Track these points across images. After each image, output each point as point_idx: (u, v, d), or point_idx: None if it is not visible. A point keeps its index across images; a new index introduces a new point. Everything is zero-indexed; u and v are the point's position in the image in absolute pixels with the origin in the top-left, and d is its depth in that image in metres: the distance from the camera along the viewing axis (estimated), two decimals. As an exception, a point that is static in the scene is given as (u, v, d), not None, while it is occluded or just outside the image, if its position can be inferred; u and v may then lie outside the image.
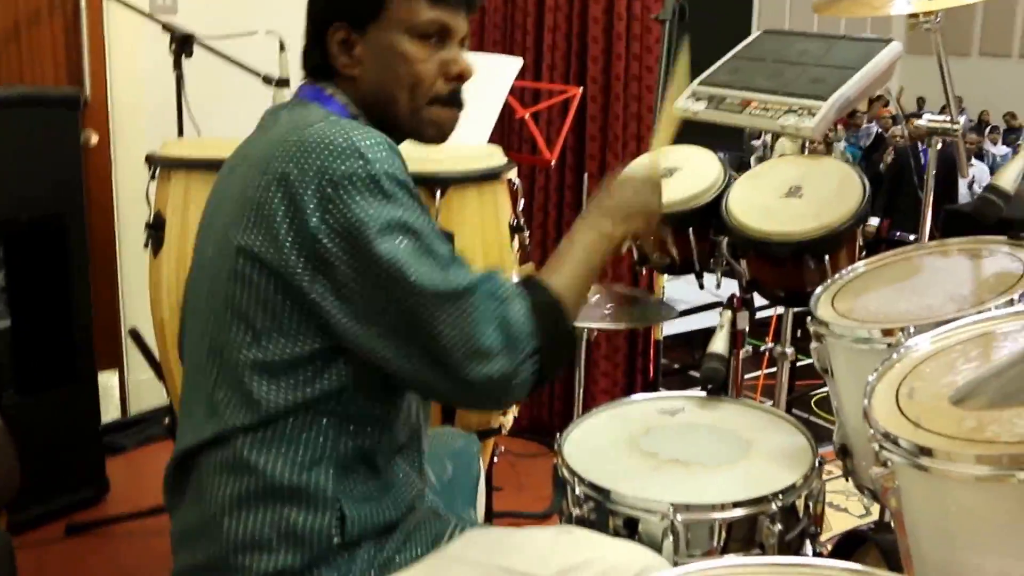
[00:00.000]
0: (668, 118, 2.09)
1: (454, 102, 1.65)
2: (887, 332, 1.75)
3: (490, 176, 2.68)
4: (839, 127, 11.54)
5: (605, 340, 3.96)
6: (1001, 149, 13.62)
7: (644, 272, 3.63)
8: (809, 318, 1.92)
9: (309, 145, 1.42)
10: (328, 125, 1.46)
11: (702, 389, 2.18)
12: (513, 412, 2.89)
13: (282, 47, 3.08)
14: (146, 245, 2.71)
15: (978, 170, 9.46)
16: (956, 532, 1.40)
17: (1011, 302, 1.68)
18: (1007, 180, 1.97)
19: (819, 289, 2.00)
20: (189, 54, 3.36)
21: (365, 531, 1.53)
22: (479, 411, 2.61)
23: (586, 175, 3.94)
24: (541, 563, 1.57)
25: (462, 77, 1.64)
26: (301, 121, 1.49)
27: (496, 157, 2.75)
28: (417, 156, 2.65)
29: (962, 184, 9.24)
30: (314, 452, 1.49)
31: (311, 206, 1.40)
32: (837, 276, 2.05)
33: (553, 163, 3.27)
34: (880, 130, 12.70)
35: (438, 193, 2.53)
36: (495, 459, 3.03)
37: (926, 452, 1.36)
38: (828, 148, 3.17)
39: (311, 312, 1.44)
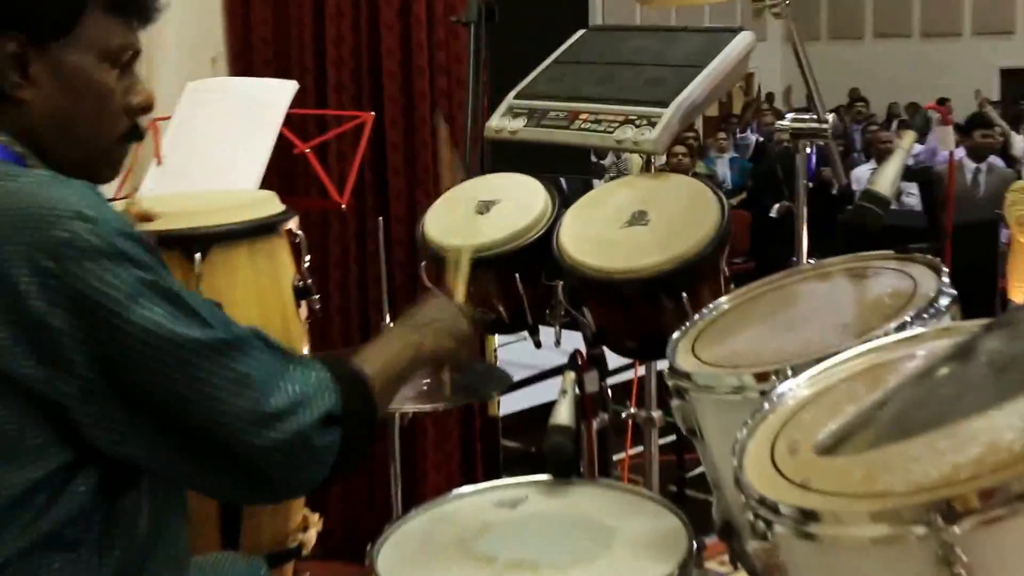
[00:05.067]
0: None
1: (138, 136, 1.75)
2: (760, 377, 1.79)
3: (263, 229, 2.66)
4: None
5: (432, 425, 3.95)
6: (915, 147, 14.28)
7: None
8: (667, 370, 1.96)
9: (6, 215, 1.41)
10: (18, 184, 1.45)
11: (547, 471, 2.20)
12: (316, 527, 2.86)
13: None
14: None
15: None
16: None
17: (902, 326, 1.75)
18: (883, 184, 2.07)
19: (676, 335, 2.05)
20: None
21: None
22: (273, 501, 2.58)
23: (391, 219, 3.92)
24: None
25: (146, 108, 1.71)
26: None
27: (270, 204, 2.74)
28: (170, 209, 2.65)
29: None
30: None
31: (31, 290, 1.39)
32: (697, 317, 2.10)
33: (345, 206, 3.24)
34: (759, 137, 13.18)
35: (198, 256, 2.50)
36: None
37: (811, 516, 1.41)
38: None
39: (50, 423, 1.43)
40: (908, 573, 1.35)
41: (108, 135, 1.65)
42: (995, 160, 8.92)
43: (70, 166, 1.61)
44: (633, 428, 3.25)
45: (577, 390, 2.30)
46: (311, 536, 2.82)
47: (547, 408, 2.28)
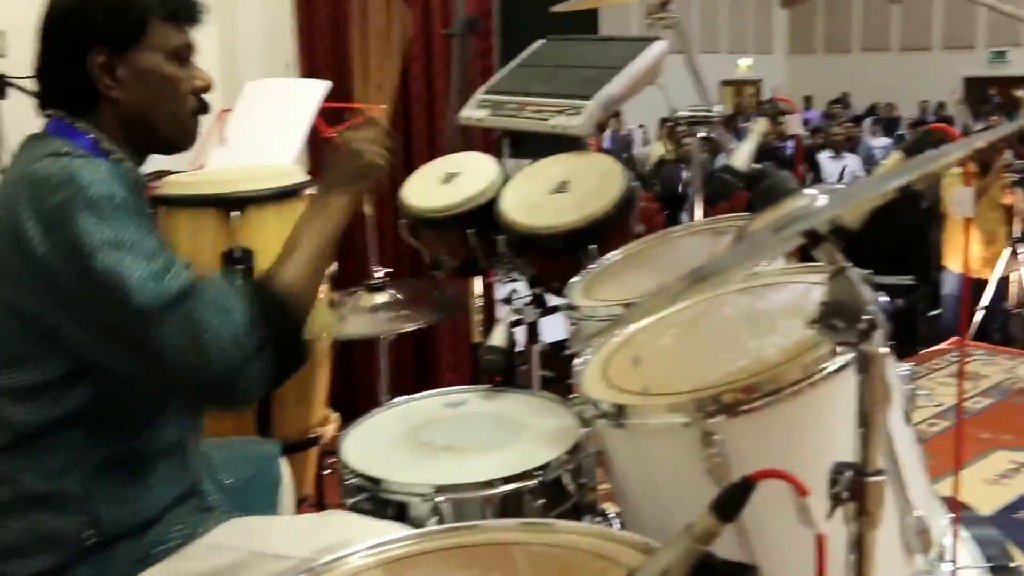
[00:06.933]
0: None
1: (205, 110, 1.79)
2: (626, 306, 1.87)
3: (288, 193, 2.74)
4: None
5: (447, 333, 3.98)
6: (882, 140, 14.12)
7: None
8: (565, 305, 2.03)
9: (32, 182, 1.52)
10: (51, 162, 1.55)
11: (481, 381, 2.27)
12: (335, 423, 2.94)
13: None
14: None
15: (851, 161, 9.73)
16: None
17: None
18: (739, 159, 2.10)
19: (575, 278, 2.11)
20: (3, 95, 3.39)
21: (123, 529, 1.61)
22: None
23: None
24: (300, 545, 1.64)
25: (207, 89, 1.77)
26: (32, 158, 1.58)
27: (295, 175, 2.82)
28: (212, 178, 2.74)
29: (833, 171, 9.50)
30: (64, 461, 1.58)
31: (37, 238, 1.49)
32: (594, 265, 2.16)
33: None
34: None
35: (235, 213, 2.59)
36: (324, 473, 3.05)
37: (621, 410, 1.48)
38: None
39: (53, 338, 1.54)
40: (683, 454, 1.42)
41: (183, 113, 1.72)
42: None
43: (157, 142, 1.73)
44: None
45: (510, 320, 2.37)
46: (330, 429, 2.90)
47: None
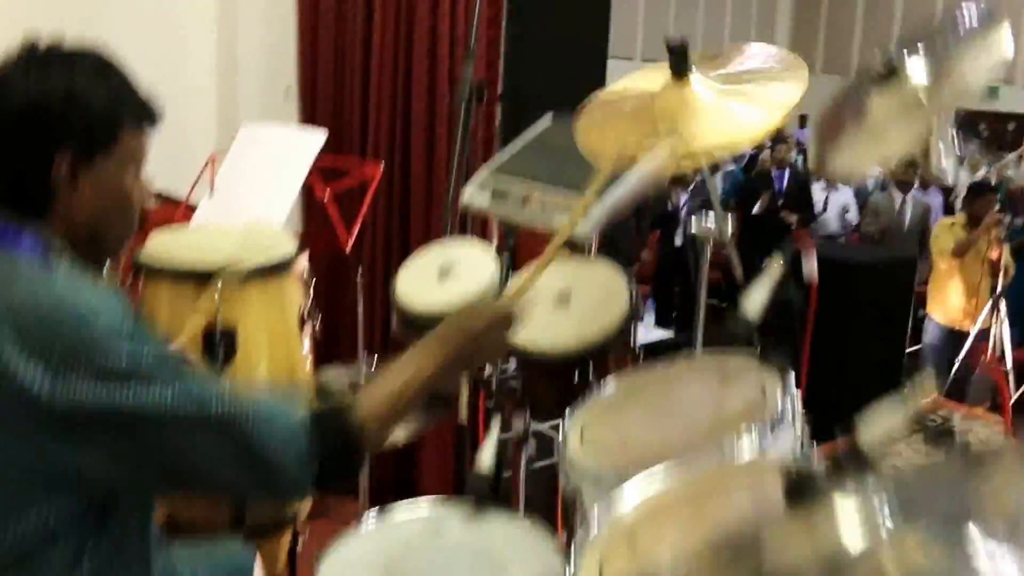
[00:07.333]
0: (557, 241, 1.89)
1: (141, 228, 1.70)
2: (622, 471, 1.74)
3: (275, 269, 2.61)
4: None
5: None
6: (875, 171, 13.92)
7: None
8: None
9: (21, 313, 1.37)
10: (35, 285, 1.41)
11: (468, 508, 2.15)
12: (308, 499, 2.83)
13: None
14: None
15: (844, 195, 9.47)
16: None
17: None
18: (752, 307, 1.96)
19: (569, 412, 1.98)
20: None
21: None
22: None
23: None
24: None
25: (149, 206, 1.66)
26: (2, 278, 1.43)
27: (282, 245, 2.69)
28: (194, 246, 2.61)
29: (831, 206, 9.30)
30: None
31: (38, 380, 1.35)
32: (591, 396, 2.04)
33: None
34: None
35: (217, 288, 2.46)
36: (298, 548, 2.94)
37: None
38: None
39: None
40: None
41: (126, 230, 1.60)
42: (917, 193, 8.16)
43: (94, 254, 1.58)
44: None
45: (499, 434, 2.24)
46: (305, 507, 2.80)
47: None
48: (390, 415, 1.59)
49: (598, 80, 3.70)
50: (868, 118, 1.66)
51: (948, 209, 9.18)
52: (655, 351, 2.42)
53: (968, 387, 6.17)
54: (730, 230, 2.27)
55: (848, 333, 5.24)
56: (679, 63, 1.97)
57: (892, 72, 1.63)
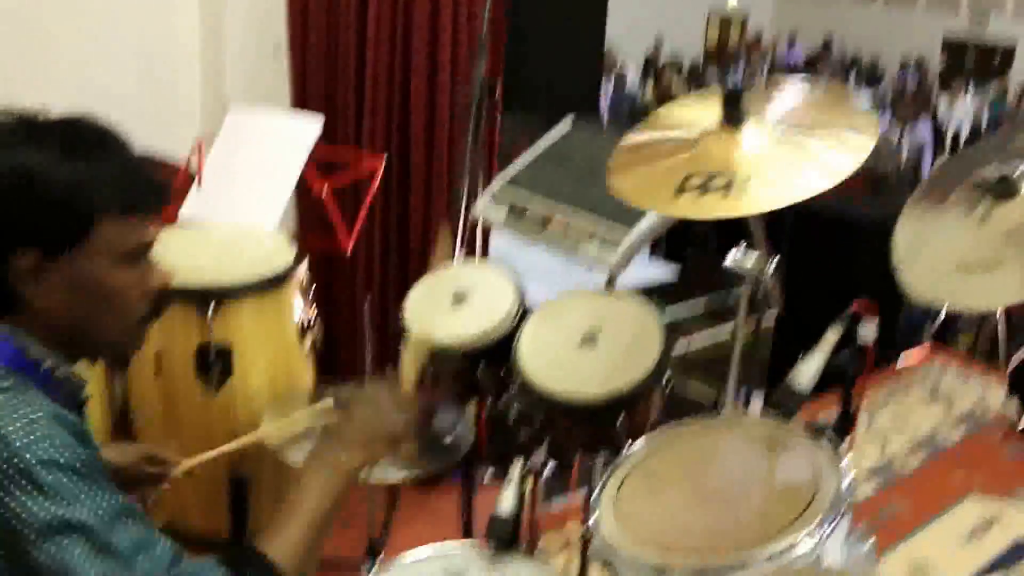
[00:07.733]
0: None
1: (158, 314, 1.46)
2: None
3: (272, 282, 2.43)
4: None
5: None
6: (864, 94, 14.16)
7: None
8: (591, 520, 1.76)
9: None
10: None
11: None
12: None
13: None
14: None
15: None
16: None
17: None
18: (804, 377, 1.81)
19: (600, 481, 1.83)
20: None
21: None
22: None
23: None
24: None
25: (164, 286, 1.45)
26: None
27: (280, 255, 2.50)
28: (185, 263, 2.41)
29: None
30: None
31: None
32: (622, 457, 1.88)
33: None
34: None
35: (211, 308, 2.28)
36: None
37: None
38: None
39: None
40: None
41: (127, 324, 1.40)
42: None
43: (94, 353, 1.43)
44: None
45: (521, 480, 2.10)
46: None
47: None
48: (304, 557, 1.43)
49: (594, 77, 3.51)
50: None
51: (938, 142, 9.15)
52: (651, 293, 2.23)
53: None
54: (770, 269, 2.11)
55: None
56: (732, 112, 1.79)
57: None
